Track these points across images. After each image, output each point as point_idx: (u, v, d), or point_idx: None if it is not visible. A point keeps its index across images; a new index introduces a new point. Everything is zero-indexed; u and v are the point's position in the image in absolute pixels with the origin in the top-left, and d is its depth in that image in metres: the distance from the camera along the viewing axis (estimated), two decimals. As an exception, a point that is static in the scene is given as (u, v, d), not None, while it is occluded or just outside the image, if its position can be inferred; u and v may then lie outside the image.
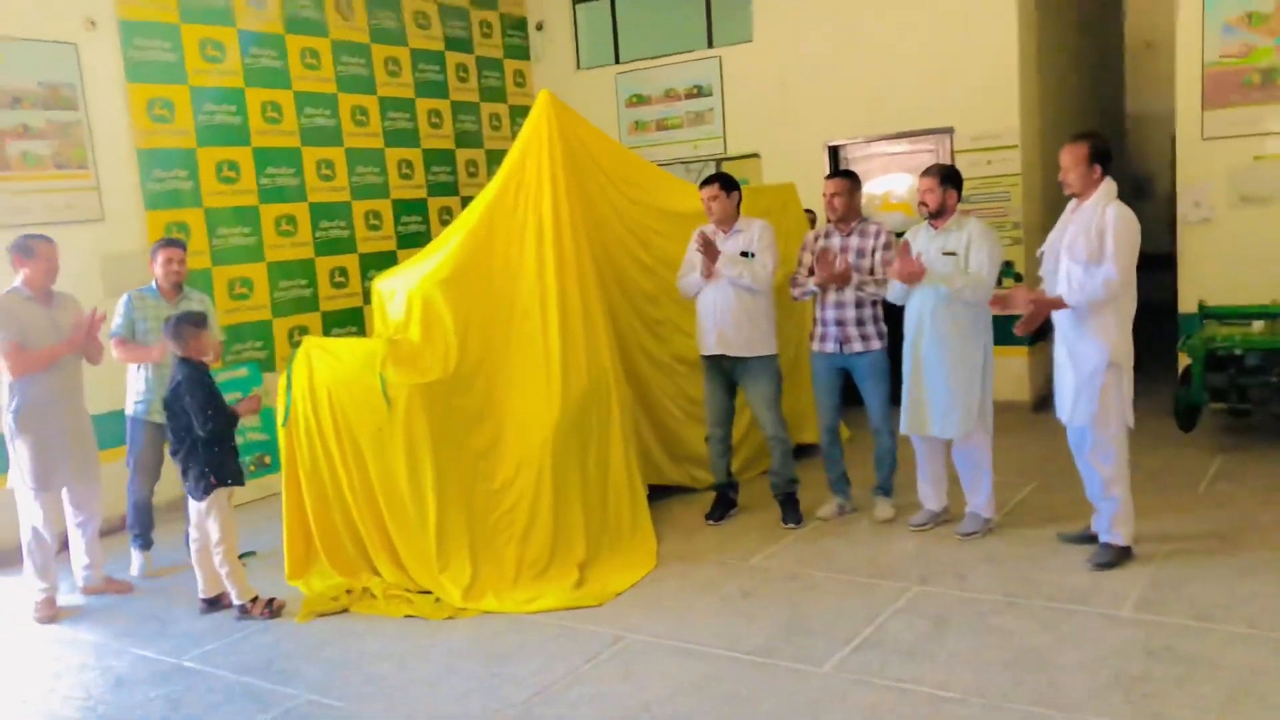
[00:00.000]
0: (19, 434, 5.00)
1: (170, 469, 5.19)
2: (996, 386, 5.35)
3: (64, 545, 5.36)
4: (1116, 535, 4.68)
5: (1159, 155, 11.04)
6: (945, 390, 5.05)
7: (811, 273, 5.46)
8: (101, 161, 6.56)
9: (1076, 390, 4.59)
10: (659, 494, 5.97)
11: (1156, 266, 7.90)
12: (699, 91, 9.11)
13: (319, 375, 5.06)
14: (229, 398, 5.08)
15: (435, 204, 8.90)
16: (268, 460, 5.73)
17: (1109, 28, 11.05)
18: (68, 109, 6.40)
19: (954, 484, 5.35)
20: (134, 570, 5.65)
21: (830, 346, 5.46)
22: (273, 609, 4.86)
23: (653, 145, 9.27)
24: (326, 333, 7.74)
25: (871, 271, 5.35)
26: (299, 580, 5.13)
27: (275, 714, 3.91)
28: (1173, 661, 3.73)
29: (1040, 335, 6.07)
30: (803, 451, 6.34)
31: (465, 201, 8.47)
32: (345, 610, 4.86)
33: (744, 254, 5.44)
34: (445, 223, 8.35)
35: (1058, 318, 4.67)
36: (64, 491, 5.21)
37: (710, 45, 9.07)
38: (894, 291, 5.21)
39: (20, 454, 5.02)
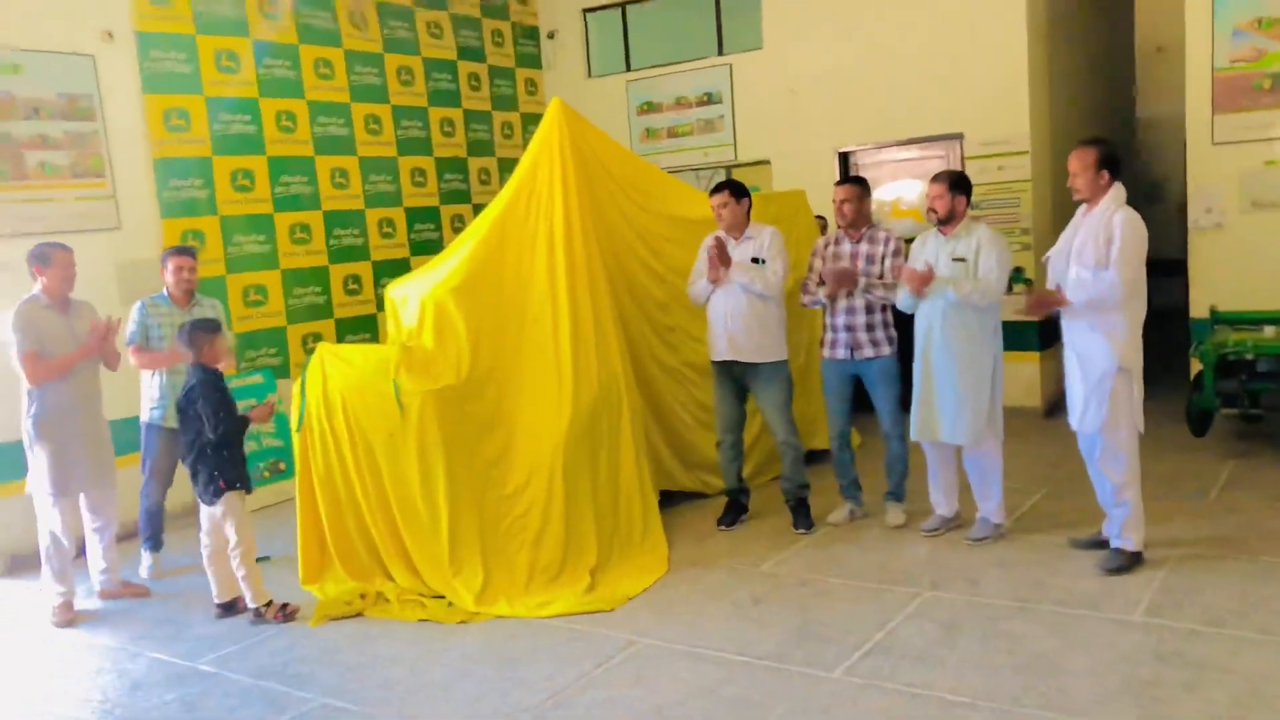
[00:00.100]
0: (38, 440, 5.06)
1: (183, 475, 5.24)
2: (1007, 392, 5.36)
3: (81, 550, 5.41)
4: (1127, 540, 4.69)
5: (1171, 160, 11.01)
6: (955, 396, 5.06)
7: (822, 281, 5.48)
8: (118, 171, 6.63)
9: (1086, 396, 4.60)
10: (670, 500, 5.99)
11: (1168, 272, 7.90)
12: (709, 99, 9.15)
13: (333, 381, 5.11)
14: (243, 404, 5.14)
15: (448, 212, 8.96)
16: (282, 466, 5.79)
17: (1119, 32, 11.04)
18: (85, 119, 6.48)
19: (965, 490, 5.36)
20: (143, 570, 5.72)
21: (841, 352, 5.48)
22: (286, 613, 4.90)
23: (663, 152, 9.31)
24: (340, 339, 7.80)
25: (881, 277, 5.37)
26: (313, 585, 5.17)
27: (290, 717, 3.95)
28: (1183, 666, 3.73)
29: (1050, 340, 6.08)
30: (814, 457, 6.35)
31: (477, 209, 8.53)
32: (359, 614, 4.90)
33: (755, 260, 5.47)
34: (457, 230, 8.41)
35: (1067, 324, 4.69)
36: (81, 497, 5.27)
37: (720, 53, 9.11)
38: (904, 298, 5.23)
39: (39, 460, 5.08)
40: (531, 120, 9.57)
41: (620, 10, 9.59)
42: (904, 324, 5.40)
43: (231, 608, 5.01)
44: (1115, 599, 4.36)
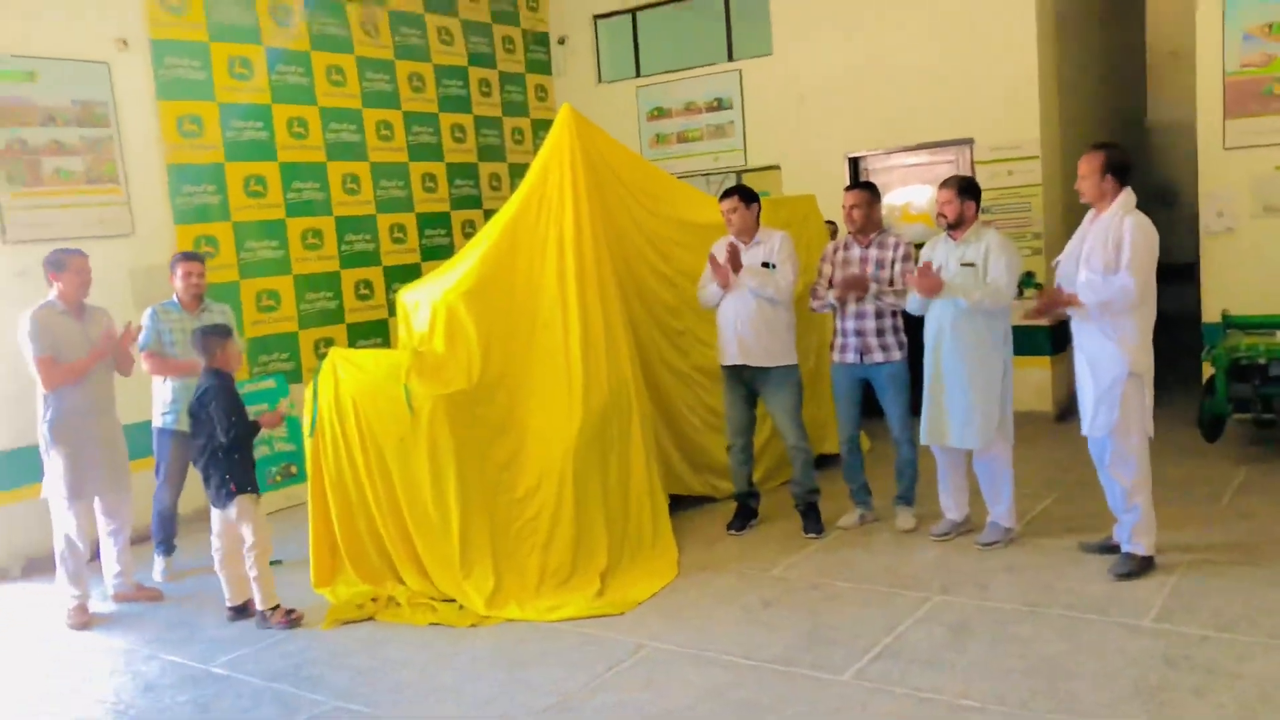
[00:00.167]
0: (53, 445, 5.11)
1: (193, 478, 5.28)
2: (1018, 397, 5.36)
3: (95, 553, 5.46)
4: (1138, 545, 4.68)
5: (1183, 165, 10.99)
6: (965, 400, 5.06)
7: (831, 285, 5.50)
8: (132, 177, 6.70)
9: (1097, 401, 4.60)
10: (680, 504, 6.01)
11: (1182, 276, 7.88)
12: (719, 104, 9.17)
13: (345, 386, 5.14)
14: (255, 409, 5.18)
15: (458, 217, 9.00)
16: (294, 470, 5.82)
17: (1131, 37, 11.04)
18: (100, 126, 6.54)
19: (975, 494, 5.36)
20: (156, 574, 5.76)
21: (851, 357, 5.49)
22: (291, 620, 4.91)
23: (673, 158, 9.34)
24: (352, 344, 7.85)
25: (891, 283, 5.38)
26: (325, 588, 5.20)
27: (302, 719, 3.97)
28: (1192, 671, 3.73)
29: (1062, 345, 6.08)
30: (824, 462, 6.36)
31: (488, 215, 8.56)
32: (370, 618, 4.93)
33: (765, 265, 5.48)
34: (468, 236, 8.45)
35: (1077, 329, 4.69)
36: (96, 501, 5.31)
37: (730, 58, 9.14)
38: (913, 303, 5.24)
39: (54, 464, 5.12)
40: (542, 126, 9.60)
41: (630, 16, 9.63)
42: (914, 328, 5.40)
43: (244, 610, 5.04)
44: (1125, 604, 4.35)
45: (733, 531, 5.75)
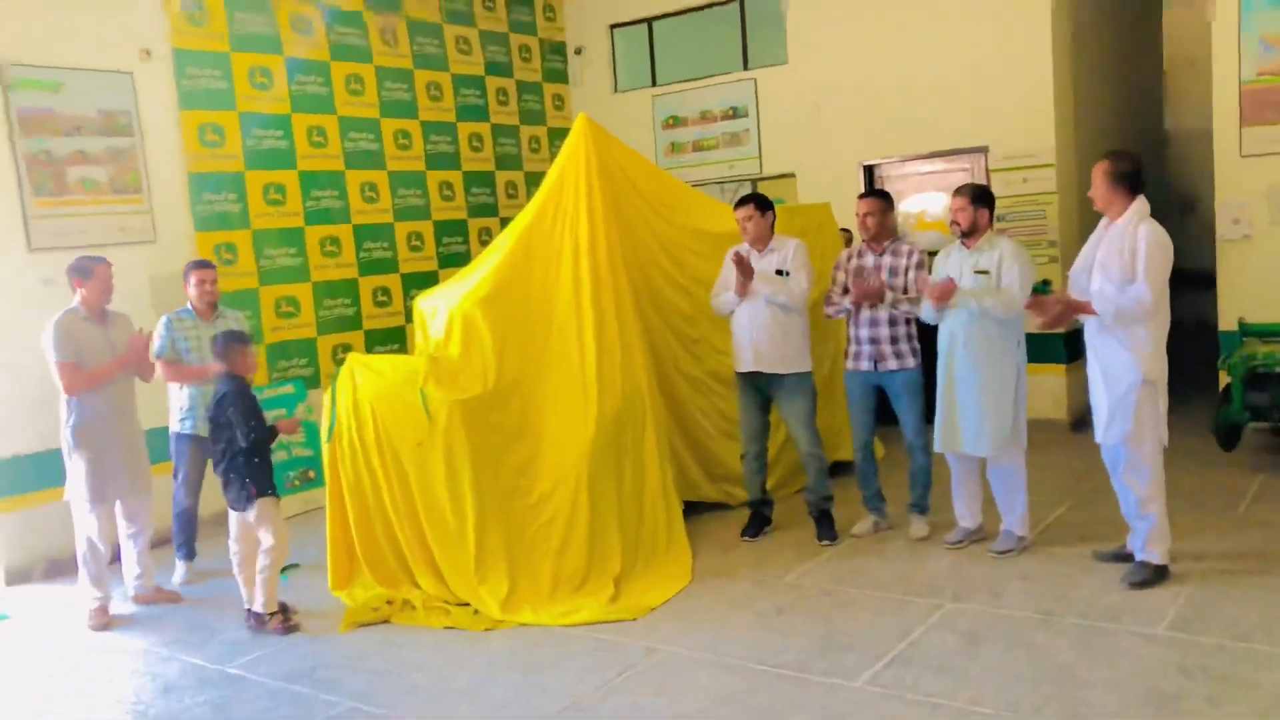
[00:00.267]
0: (76, 449, 5.18)
1: (211, 482, 5.34)
2: (1033, 405, 5.36)
3: (116, 556, 5.53)
4: (1152, 554, 4.67)
5: (1201, 173, 10.94)
6: (978, 408, 5.07)
7: (846, 291, 5.52)
8: (155, 185, 6.79)
9: (1111, 409, 4.59)
10: (695, 510, 6.03)
11: (1200, 284, 7.85)
12: (735, 113, 9.21)
13: (362, 391, 5.20)
14: (273, 414, 5.24)
15: (475, 225, 9.07)
16: (312, 475, 5.86)
17: (1148, 45, 11.00)
18: (123, 135, 6.64)
19: (989, 502, 5.36)
20: (176, 578, 5.83)
21: (865, 364, 5.51)
22: (288, 627, 4.94)
23: (689, 166, 9.38)
24: (369, 351, 7.90)
25: (905, 290, 5.40)
26: (342, 591, 5.25)
27: (318, 720, 4.03)
28: (1206, 680, 3.72)
29: (1077, 353, 6.07)
30: (838, 469, 6.37)
31: (504, 222, 8.58)
32: (386, 621, 4.97)
33: (779, 272, 5.51)
34: (485, 243, 8.50)
35: (1090, 337, 4.69)
36: (117, 504, 5.38)
37: (746, 67, 9.18)
38: (927, 310, 5.25)
39: (77, 468, 5.20)
40: (558, 135, 9.66)
41: (646, 26, 9.68)
42: (928, 335, 5.41)
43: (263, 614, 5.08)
44: (1139, 612, 4.35)
45: (747, 538, 5.77)
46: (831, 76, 8.56)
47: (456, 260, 8.53)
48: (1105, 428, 4.64)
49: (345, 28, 8.00)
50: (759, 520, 5.85)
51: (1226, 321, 7.01)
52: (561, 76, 10.03)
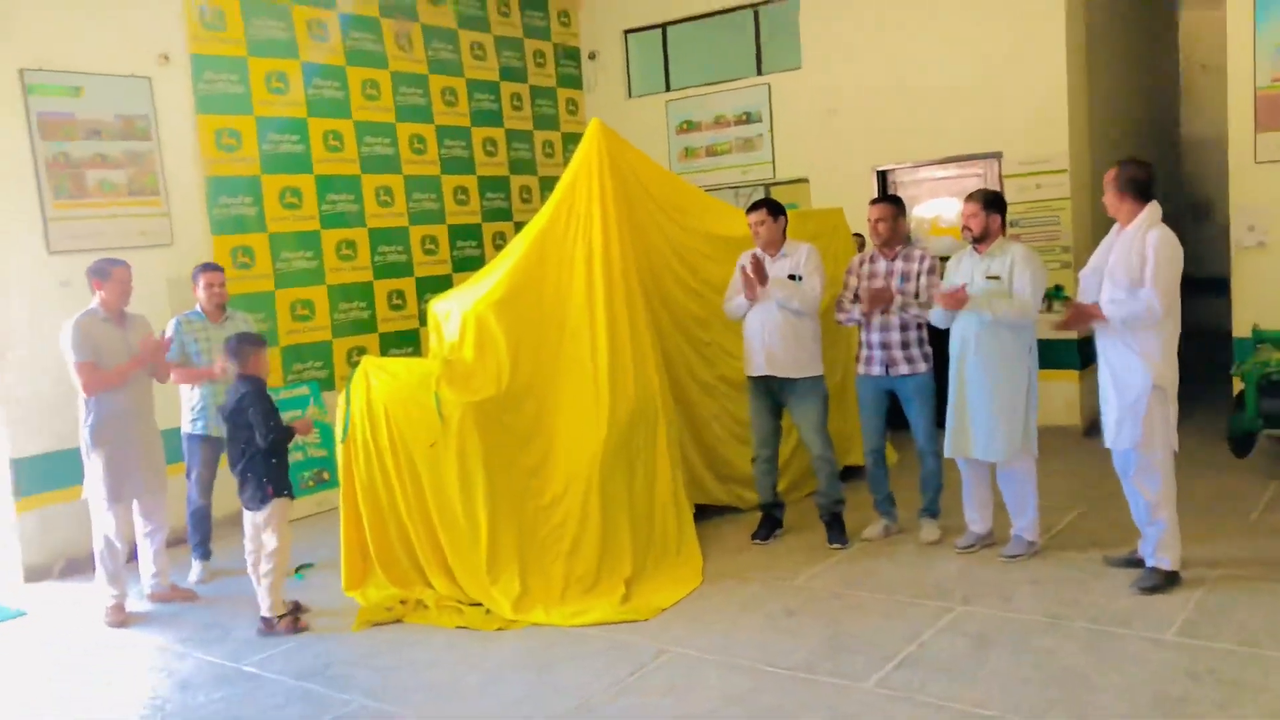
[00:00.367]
0: (94, 448, 5.25)
1: (223, 483, 5.39)
2: (1045, 411, 5.36)
3: (133, 554, 5.59)
4: (1163, 559, 4.67)
5: (1217, 179, 10.91)
6: (989, 413, 5.08)
7: (857, 298, 5.53)
8: (172, 189, 6.86)
9: (1120, 414, 4.60)
10: (706, 513, 6.05)
11: (1215, 290, 7.82)
12: (748, 118, 9.24)
13: (377, 394, 5.25)
14: (288, 416, 5.29)
15: (489, 229, 9.12)
16: (326, 476, 5.92)
17: (1164, 50, 10.98)
18: (142, 139, 6.71)
19: (1000, 507, 5.37)
20: (192, 577, 5.89)
21: (876, 369, 5.52)
22: (297, 627, 4.98)
23: (703, 171, 9.42)
24: (384, 353, 7.96)
25: (916, 295, 5.41)
26: (355, 591, 5.30)
27: (331, 717, 4.07)
28: (1215, 685, 3.72)
29: (1090, 359, 6.07)
30: (849, 474, 6.38)
31: (518, 227, 8.65)
32: (399, 620, 5.01)
33: (791, 277, 5.53)
34: (499, 247, 8.56)
35: (1101, 343, 4.70)
36: (134, 503, 5.44)
37: (759, 72, 9.21)
38: (938, 315, 5.26)
39: (95, 467, 5.26)
40: (572, 139, 9.71)
41: (660, 31, 9.73)
42: (939, 340, 5.43)
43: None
44: (1149, 618, 4.35)
45: (757, 541, 5.79)
46: (845, 81, 8.58)
47: (471, 264, 8.58)
48: (1115, 433, 4.65)
49: (361, 33, 8.07)
50: (770, 523, 5.86)
51: (1240, 328, 6.98)
52: (576, 82, 10.08)
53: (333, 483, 5.67)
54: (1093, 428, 7.48)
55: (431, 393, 5.10)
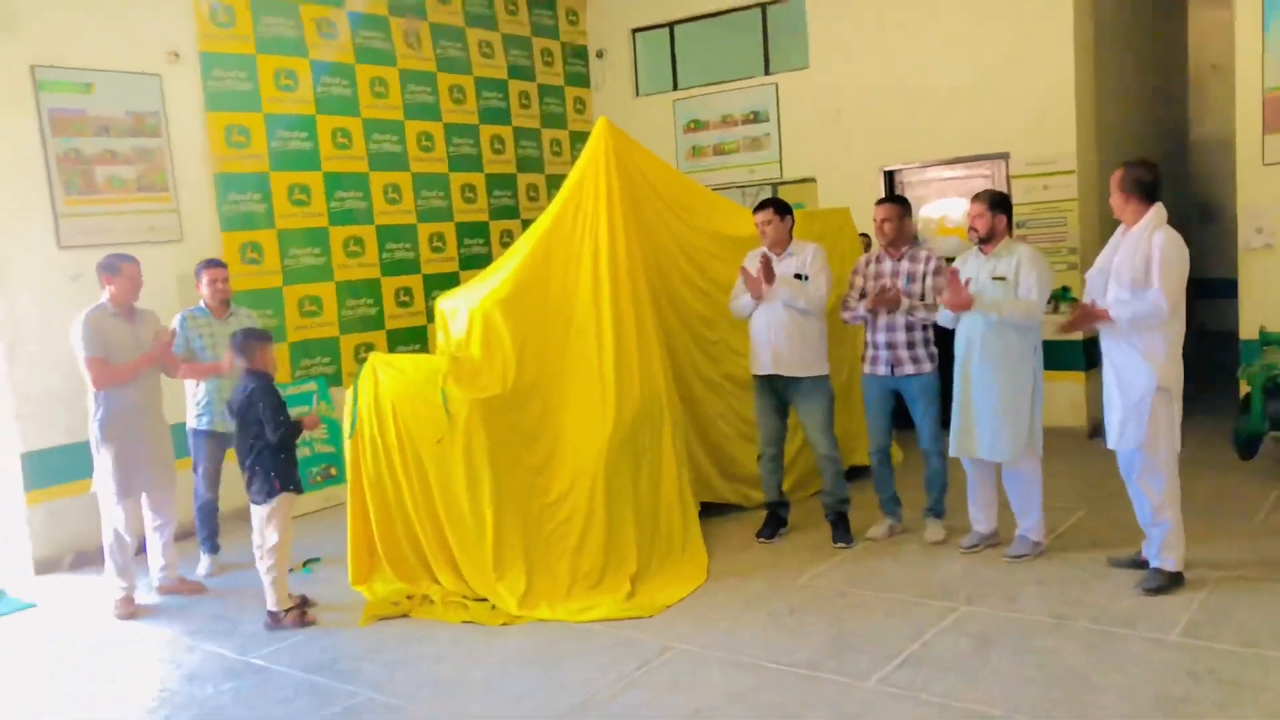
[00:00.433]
0: (104, 443, 5.28)
1: (232, 478, 5.42)
2: (1050, 412, 5.37)
3: (142, 547, 5.63)
4: (1166, 560, 4.68)
5: (1226, 180, 10.87)
6: (994, 413, 5.09)
7: (863, 296, 5.55)
8: (181, 185, 6.90)
9: (1124, 415, 4.61)
10: (711, 511, 6.07)
11: (1224, 292, 7.81)
12: (756, 117, 9.25)
13: (384, 390, 5.28)
14: (295, 411, 5.32)
15: (497, 227, 9.15)
16: (333, 471, 5.97)
17: (1173, 51, 10.96)
18: (151, 136, 6.76)
19: (1004, 507, 5.38)
20: (200, 570, 5.93)
21: (881, 369, 5.54)
22: (305, 620, 5.01)
23: (710, 170, 9.43)
24: (391, 350, 7.99)
25: (922, 296, 5.43)
26: (362, 585, 5.34)
27: (337, 710, 4.10)
28: (1217, 685, 3.73)
29: (1096, 360, 6.07)
30: (854, 473, 6.39)
31: (526, 224, 8.70)
32: (405, 615, 5.05)
33: (797, 276, 5.55)
34: (506, 245, 8.59)
35: (1106, 343, 4.71)
36: (143, 496, 5.47)
37: (767, 72, 9.22)
38: (944, 316, 5.28)
39: (104, 461, 5.30)
40: (580, 138, 9.74)
41: (668, 30, 9.75)
42: (945, 340, 5.44)
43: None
44: (1152, 618, 4.36)
45: (762, 539, 5.81)
46: (852, 81, 8.59)
47: (478, 262, 8.62)
48: (1119, 434, 4.66)
49: (369, 31, 8.10)
50: (775, 522, 5.88)
51: (1247, 330, 6.98)
52: (583, 80, 10.10)
53: (340, 478, 5.72)
54: (1098, 429, 7.47)
55: (438, 389, 5.13)
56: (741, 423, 6.31)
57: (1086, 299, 4.73)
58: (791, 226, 5.70)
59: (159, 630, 5.15)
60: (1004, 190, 7.55)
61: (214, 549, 6.01)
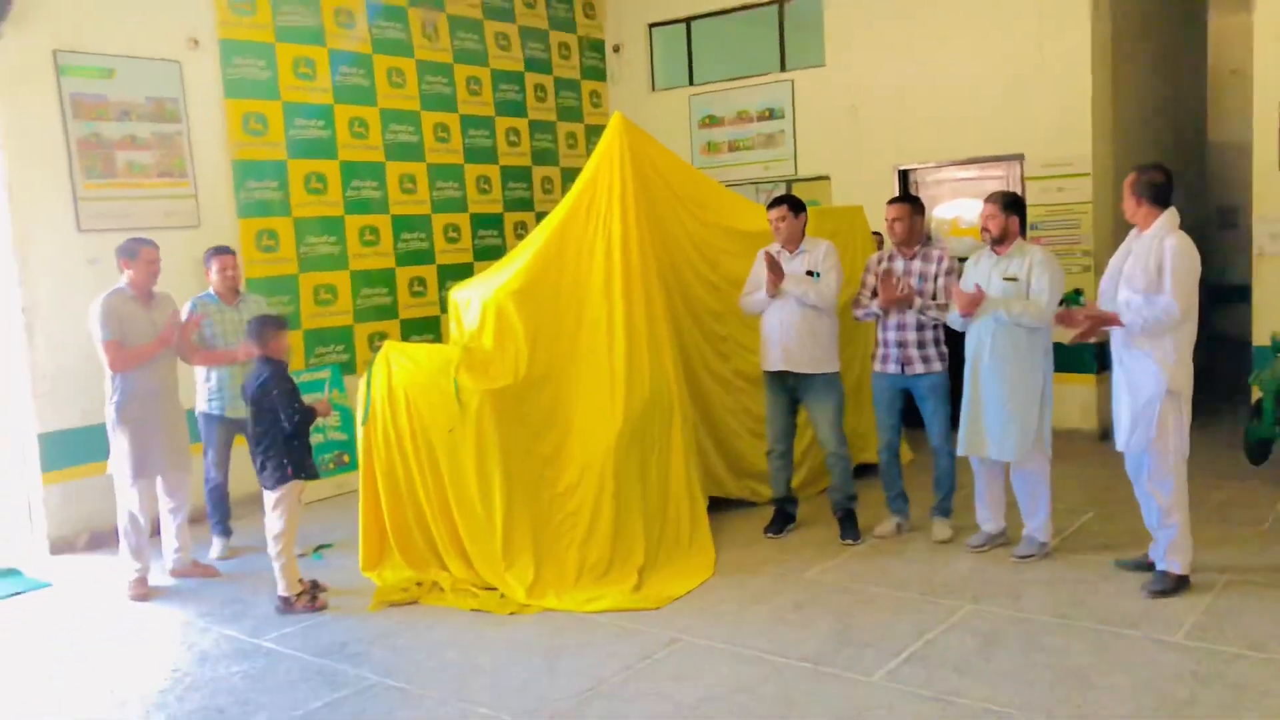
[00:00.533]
0: (119, 425, 5.34)
1: (240, 462, 5.47)
2: (1061, 414, 5.38)
3: (156, 530, 5.69)
4: (1173, 563, 4.69)
5: (1245, 186, 10.83)
6: (1003, 413, 5.10)
7: (875, 295, 5.56)
8: (199, 171, 6.95)
9: (1134, 417, 4.62)
10: (719, 506, 6.09)
11: (1241, 298, 7.79)
12: (771, 114, 9.26)
13: (397, 378, 5.32)
14: (308, 398, 5.36)
15: (511, 219, 9.19)
16: (346, 458, 6.00)
17: (1192, 55, 10.91)
18: (171, 122, 6.81)
19: (1012, 507, 5.39)
20: (213, 554, 6.00)
21: (892, 367, 5.55)
22: (316, 605, 5.06)
23: (724, 166, 9.45)
24: (405, 339, 8.03)
25: (934, 296, 5.44)
26: (372, 572, 5.39)
27: (347, 693, 4.15)
28: (1221, 688, 3.75)
29: (1107, 363, 6.08)
30: (863, 471, 6.42)
31: (540, 217, 8.69)
32: (415, 601, 5.09)
33: (809, 273, 5.57)
34: (520, 237, 8.61)
35: (1116, 347, 4.71)
36: (158, 479, 5.53)
37: (783, 69, 9.23)
38: (955, 318, 5.29)
39: (120, 443, 5.36)
40: (595, 131, 9.75)
41: (685, 25, 9.76)
42: (955, 339, 5.45)
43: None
44: (1157, 620, 4.37)
45: (770, 535, 5.83)
46: (868, 80, 8.59)
47: (492, 253, 8.64)
48: (1128, 436, 4.67)
49: (388, 22, 8.13)
50: (783, 518, 5.91)
51: (1260, 336, 6.96)
52: (599, 74, 10.12)
53: (352, 465, 5.76)
54: (1108, 432, 7.47)
55: (451, 379, 5.17)
56: (751, 419, 6.34)
57: (1100, 304, 4.73)
58: (805, 224, 5.72)
59: (172, 612, 5.21)
60: (1017, 192, 7.54)
61: (226, 532, 6.07)
